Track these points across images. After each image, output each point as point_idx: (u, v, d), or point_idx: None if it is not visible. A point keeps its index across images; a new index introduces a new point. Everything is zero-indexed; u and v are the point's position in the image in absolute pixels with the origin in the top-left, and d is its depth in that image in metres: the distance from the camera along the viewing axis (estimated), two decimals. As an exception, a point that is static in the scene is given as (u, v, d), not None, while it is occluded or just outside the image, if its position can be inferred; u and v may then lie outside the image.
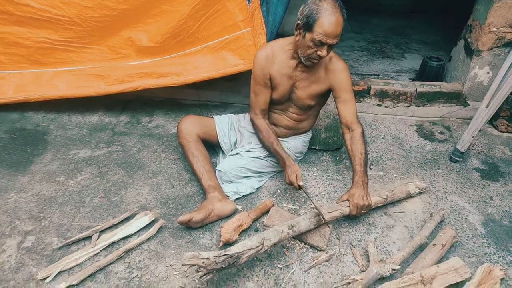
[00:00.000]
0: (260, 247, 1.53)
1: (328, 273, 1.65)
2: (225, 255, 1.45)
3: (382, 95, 2.80)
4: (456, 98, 2.77)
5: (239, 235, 1.78)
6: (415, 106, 2.81)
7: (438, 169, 2.31)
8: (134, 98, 2.85)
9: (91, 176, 2.15)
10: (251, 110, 2.07)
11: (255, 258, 1.69)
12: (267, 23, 2.27)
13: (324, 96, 2.03)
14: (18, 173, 2.13)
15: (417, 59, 3.43)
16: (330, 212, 1.76)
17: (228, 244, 1.72)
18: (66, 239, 1.74)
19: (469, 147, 2.34)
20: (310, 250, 1.75)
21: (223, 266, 1.43)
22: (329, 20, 1.62)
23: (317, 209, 1.73)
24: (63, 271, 1.60)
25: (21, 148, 2.33)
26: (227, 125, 2.23)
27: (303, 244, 1.77)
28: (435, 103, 2.79)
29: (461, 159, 2.36)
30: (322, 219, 1.72)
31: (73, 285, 1.54)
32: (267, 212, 1.90)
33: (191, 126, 2.13)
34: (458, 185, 2.18)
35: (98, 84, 2.53)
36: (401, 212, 1.98)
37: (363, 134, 1.93)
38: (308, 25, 1.67)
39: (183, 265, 1.42)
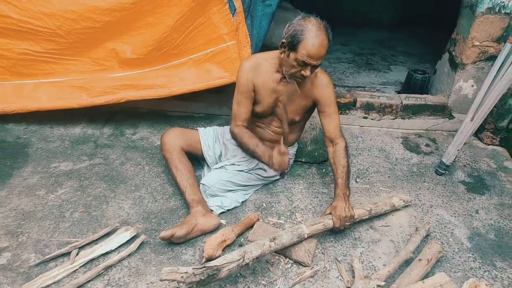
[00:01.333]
0: (241, 260, 1.50)
1: (313, 289, 1.62)
2: (204, 267, 1.42)
3: (368, 108, 2.81)
4: (441, 110, 2.79)
5: (223, 250, 1.74)
6: (401, 118, 2.82)
7: (424, 182, 2.31)
8: (119, 109, 2.81)
9: (72, 189, 2.09)
10: (232, 121, 2.01)
11: (238, 274, 1.66)
12: (252, 36, 2.26)
13: (309, 111, 2.03)
14: (-5, 187, 2.07)
15: (403, 71, 3.47)
16: (313, 225, 1.74)
17: (211, 260, 1.68)
18: (44, 256, 1.69)
19: (454, 160, 2.35)
20: (295, 265, 1.72)
21: (202, 278, 1.39)
22: (313, 42, 1.62)
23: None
24: (39, 289, 1.55)
25: (0, 161, 2.26)
26: (211, 138, 2.20)
27: (287, 259, 1.74)
28: (420, 115, 2.81)
29: (447, 172, 2.36)
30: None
31: (49, 305, 1.49)
32: (251, 226, 1.87)
33: (174, 138, 2.10)
34: (444, 198, 2.18)
35: (80, 95, 2.48)
36: (387, 226, 1.97)
37: (346, 148, 1.93)
38: (292, 45, 1.66)
39: (161, 280, 1.39)
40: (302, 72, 1.71)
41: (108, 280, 1.61)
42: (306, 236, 1.71)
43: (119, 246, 1.75)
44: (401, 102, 2.78)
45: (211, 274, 1.42)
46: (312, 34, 1.62)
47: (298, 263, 1.72)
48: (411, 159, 2.52)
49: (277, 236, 1.64)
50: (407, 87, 3.14)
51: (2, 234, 1.79)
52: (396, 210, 2.04)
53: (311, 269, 1.69)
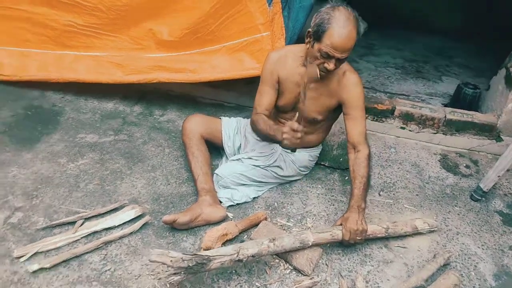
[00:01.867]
0: (235, 255, 1.45)
1: (308, 301, 1.52)
2: (194, 255, 1.38)
3: (407, 118, 2.62)
4: (489, 131, 2.54)
5: (223, 244, 1.70)
6: (443, 134, 2.61)
7: (456, 206, 2.11)
8: (151, 89, 2.84)
9: (92, 161, 2.14)
10: (253, 110, 1.93)
11: (233, 271, 1.60)
12: (287, 29, 2.17)
13: (334, 111, 1.91)
14: (23, 149, 2.15)
15: (455, 83, 3.20)
16: (319, 233, 1.64)
17: (208, 252, 1.64)
18: (51, 221, 1.73)
19: (493, 186, 2.13)
20: (294, 272, 1.63)
21: (190, 265, 1.36)
22: (339, 32, 1.51)
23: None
24: (40, 252, 1.58)
25: (32, 126, 2.36)
26: (233, 129, 2.15)
27: (287, 265, 1.66)
28: (465, 133, 2.57)
29: (483, 198, 2.14)
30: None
31: (46, 268, 1.51)
32: (257, 224, 1.80)
33: (196, 125, 2.07)
34: (474, 227, 1.98)
35: (115, 72, 2.53)
36: (404, 247, 1.81)
37: (369, 156, 1.79)
38: (317, 35, 1.56)
39: (150, 261, 1.37)
40: (326, 65, 1.61)
41: (105, 255, 1.62)
42: (310, 244, 1.61)
43: (123, 223, 1.76)
44: (445, 116, 2.56)
45: (200, 262, 1.38)
46: (339, 24, 1.51)
47: (298, 270, 1.63)
48: (446, 179, 2.32)
49: (278, 238, 1.56)
50: (455, 101, 2.89)
51: (19, 194, 1.86)
52: (418, 233, 1.88)
53: (311, 279, 1.59)
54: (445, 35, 4.73)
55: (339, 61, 1.61)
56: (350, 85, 1.77)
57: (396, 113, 2.64)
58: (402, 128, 2.66)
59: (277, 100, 1.91)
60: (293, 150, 1.71)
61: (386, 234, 1.77)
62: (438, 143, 2.64)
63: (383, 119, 2.66)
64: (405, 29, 4.69)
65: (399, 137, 2.67)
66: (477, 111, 2.77)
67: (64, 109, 2.58)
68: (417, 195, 2.16)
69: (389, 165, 2.39)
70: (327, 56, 1.58)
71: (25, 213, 1.77)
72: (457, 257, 1.79)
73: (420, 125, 2.63)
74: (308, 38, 1.64)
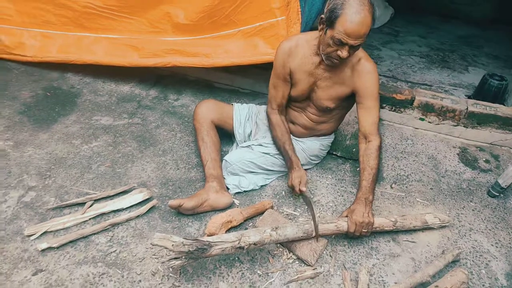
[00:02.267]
0: (237, 242, 1.45)
1: (309, 291, 1.51)
2: (195, 240, 1.39)
3: (427, 109, 2.53)
4: (514, 125, 2.42)
5: (227, 231, 1.70)
6: (463, 126, 2.50)
7: (471, 201, 2.04)
8: (168, 74, 2.85)
9: (105, 144, 2.17)
10: (268, 103, 1.97)
11: (236, 258, 1.61)
12: (303, 13, 2.11)
13: (348, 99, 1.86)
14: (40, 130, 2.21)
15: (481, 74, 3.05)
16: (324, 224, 1.61)
17: (212, 238, 1.65)
18: (62, 201, 1.78)
19: (513, 183, 2.04)
20: (297, 262, 1.62)
21: (190, 250, 1.37)
22: (352, 18, 1.45)
23: (313, 220, 1.60)
24: (49, 231, 1.63)
25: (50, 107, 2.42)
26: (245, 115, 2.13)
27: (291, 254, 1.65)
28: (487, 126, 2.46)
29: (501, 195, 2.05)
30: (314, 231, 1.58)
31: (53, 247, 1.56)
32: (263, 212, 1.79)
33: (207, 110, 2.07)
34: (489, 223, 1.90)
35: (132, 55, 2.55)
36: (412, 241, 1.77)
37: (380, 148, 1.74)
38: (330, 21, 1.51)
39: (152, 244, 1.39)
40: (339, 52, 1.56)
41: (112, 236, 1.65)
42: (313, 234, 1.60)
43: (131, 206, 1.79)
44: (467, 108, 2.45)
45: (200, 247, 1.39)
46: (353, 10, 1.45)
47: (301, 260, 1.62)
48: (464, 174, 2.23)
49: (281, 227, 1.55)
50: (479, 92, 2.77)
51: (34, 174, 1.92)
52: (429, 228, 1.82)
53: (313, 269, 1.58)
54: (474, 24, 4.51)
55: (352, 48, 1.56)
56: (364, 73, 1.71)
57: (415, 103, 2.54)
58: (421, 119, 2.57)
59: (291, 90, 1.88)
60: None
61: (394, 227, 1.73)
62: (458, 136, 2.54)
63: (402, 109, 2.57)
64: (432, 16, 4.50)
65: (417, 128, 2.59)
66: (502, 103, 2.64)
67: (82, 91, 2.62)
68: (431, 189, 2.10)
69: (404, 157, 2.32)
70: (340, 43, 1.53)
71: (37, 192, 1.82)
72: (467, 254, 1.73)
73: (440, 117, 2.53)
74: (321, 25, 1.59)
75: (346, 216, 1.66)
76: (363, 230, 1.63)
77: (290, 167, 1.85)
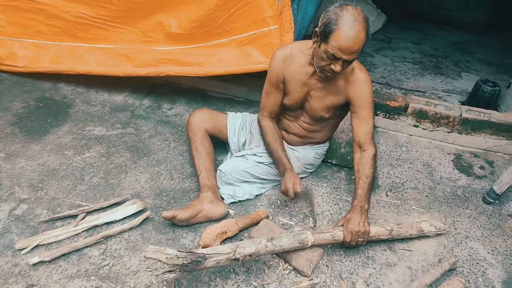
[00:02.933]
0: (232, 254, 1.43)
1: (306, 302, 1.49)
2: (189, 252, 1.37)
3: (421, 116, 2.53)
4: (507, 131, 2.42)
5: (222, 242, 1.68)
6: (458, 133, 2.51)
7: (466, 208, 2.03)
8: (161, 83, 2.84)
9: (98, 155, 2.15)
10: (260, 110, 1.96)
11: (231, 270, 1.59)
12: (296, 22, 2.12)
13: (342, 108, 1.86)
14: (32, 141, 2.19)
15: (474, 80, 3.07)
16: (320, 233, 1.60)
17: (207, 249, 1.63)
18: (54, 214, 1.75)
19: (508, 189, 2.03)
20: (293, 273, 1.60)
21: (185, 262, 1.35)
22: (346, 34, 1.45)
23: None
24: (41, 245, 1.60)
25: (43, 117, 2.40)
26: (239, 124, 2.12)
27: (287, 265, 1.63)
28: (481, 133, 2.47)
29: (496, 201, 2.05)
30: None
31: (45, 261, 1.53)
32: (258, 223, 1.77)
33: (201, 120, 2.05)
34: (485, 231, 1.90)
35: (125, 65, 2.54)
36: (409, 250, 1.76)
37: (375, 156, 1.74)
38: (324, 35, 1.51)
39: (145, 257, 1.37)
40: (332, 66, 1.56)
41: (105, 249, 1.63)
42: (309, 244, 1.58)
43: (124, 218, 1.76)
44: (460, 115, 2.46)
45: (195, 260, 1.37)
46: (347, 25, 1.45)
47: (297, 271, 1.60)
48: (459, 181, 2.23)
49: (276, 237, 1.53)
50: (472, 98, 2.78)
51: (25, 186, 1.89)
52: (425, 236, 1.81)
53: (309, 280, 1.56)
54: (467, 30, 4.55)
55: (346, 63, 1.56)
56: (358, 83, 1.71)
57: (409, 110, 2.55)
58: (415, 126, 2.57)
59: (283, 98, 1.88)
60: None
61: (390, 236, 1.72)
62: (453, 143, 2.54)
63: (396, 116, 2.58)
64: (425, 23, 4.54)
65: (411, 135, 2.59)
66: (496, 109, 2.65)
67: (75, 101, 2.60)
68: (426, 196, 2.09)
69: (399, 164, 2.32)
70: (334, 58, 1.53)
71: (29, 205, 1.80)
72: (464, 262, 1.72)
73: (434, 124, 2.54)
74: (315, 38, 1.59)
75: (342, 225, 1.65)
76: (359, 239, 1.62)
77: (282, 172, 1.83)
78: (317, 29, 1.56)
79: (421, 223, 1.79)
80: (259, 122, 1.99)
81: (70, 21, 2.53)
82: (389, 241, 1.77)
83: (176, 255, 1.36)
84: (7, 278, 1.46)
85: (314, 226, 1.73)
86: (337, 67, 1.55)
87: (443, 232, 1.83)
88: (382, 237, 1.71)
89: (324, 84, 1.76)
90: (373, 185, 1.73)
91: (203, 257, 1.40)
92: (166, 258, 1.36)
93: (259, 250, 1.50)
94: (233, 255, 1.44)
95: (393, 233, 1.72)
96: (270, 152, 1.92)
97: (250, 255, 1.48)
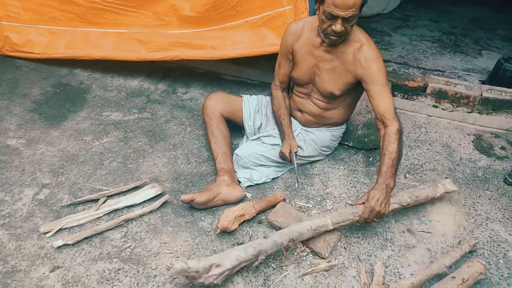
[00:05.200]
0: (254, 260, 1.42)
1: (324, 284, 1.50)
2: (214, 275, 1.33)
3: (440, 96, 2.47)
4: (530, 110, 2.36)
5: (240, 225, 1.70)
6: (478, 113, 2.45)
7: (487, 189, 2.00)
8: (176, 67, 2.83)
9: (116, 139, 2.18)
10: (273, 80, 2.03)
11: (250, 252, 1.60)
12: (311, 1, 2.07)
13: (355, 88, 1.82)
14: (51, 127, 2.22)
15: (496, 58, 2.98)
16: (339, 223, 1.58)
17: (225, 232, 1.65)
18: (75, 198, 1.79)
19: (530, 170, 1.99)
20: (311, 255, 1.61)
21: (212, 282, 1.33)
22: None
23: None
24: (64, 228, 1.64)
25: (60, 103, 2.43)
26: (254, 107, 2.11)
27: (304, 247, 1.64)
28: (502, 112, 2.40)
29: (518, 182, 2.02)
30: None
31: (69, 244, 1.58)
32: (275, 205, 1.78)
33: (216, 103, 2.05)
34: (506, 212, 1.87)
35: (139, 49, 2.53)
36: (428, 232, 1.75)
37: (399, 131, 1.67)
38: None
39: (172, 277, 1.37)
40: (332, 26, 1.57)
41: (126, 232, 1.66)
42: (330, 229, 1.58)
43: (144, 202, 1.79)
44: (481, 94, 2.40)
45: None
46: None
47: (315, 253, 1.61)
48: (479, 161, 2.19)
49: (298, 237, 1.51)
50: (494, 77, 2.70)
51: (47, 171, 1.93)
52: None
53: (328, 262, 1.57)
54: (487, 5, 4.39)
55: (346, 21, 1.55)
56: (366, 61, 1.67)
57: (428, 90, 2.49)
58: (435, 106, 2.52)
59: (292, 71, 1.92)
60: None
61: (407, 205, 1.72)
62: (473, 123, 2.49)
63: (414, 97, 2.53)
64: (442, 1, 4.39)
65: (430, 116, 2.54)
66: (518, 88, 2.57)
67: (91, 86, 2.62)
68: (446, 177, 2.06)
69: (418, 146, 2.28)
70: (332, 17, 1.54)
71: (51, 190, 1.84)
72: (484, 244, 1.71)
73: (454, 104, 2.48)
74: (317, 4, 1.60)
75: (363, 203, 1.62)
76: (375, 218, 1.59)
77: (282, 138, 1.93)
78: None
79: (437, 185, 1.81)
80: (271, 90, 2.08)
81: (84, 6, 2.53)
82: (408, 223, 1.77)
83: (204, 280, 1.33)
84: (34, 260, 1.51)
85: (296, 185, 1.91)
86: (337, 26, 1.55)
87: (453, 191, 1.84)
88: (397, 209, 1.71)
89: (332, 57, 1.75)
90: (398, 161, 1.71)
91: (229, 273, 1.38)
92: (192, 275, 1.32)
93: (280, 248, 1.49)
94: (256, 261, 1.42)
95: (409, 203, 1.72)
96: (275, 119, 2.03)
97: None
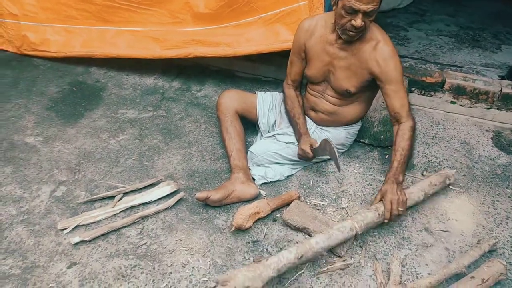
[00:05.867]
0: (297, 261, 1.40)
1: (340, 283, 1.49)
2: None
3: (458, 92, 2.42)
4: (552, 106, 2.30)
5: (254, 222, 1.69)
6: (497, 109, 2.39)
7: (507, 188, 1.95)
8: (190, 64, 2.84)
9: (132, 137, 2.19)
10: (285, 78, 2.02)
11: (264, 250, 1.60)
12: (327, -4, 2.05)
13: (370, 85, 1.79)
14: (68, 125, 2.25)
15: (517, 53, 2.91)
16: (364, 226, 1.55)
17: (240, 229, 1.65)
18: (92, 195, 1.81)
19: (553, 168, 1.94)
20: (327, 253, 1.59)
21: None
22: None
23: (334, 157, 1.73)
24: (81, 225, 1.66)
25: (77, 101, 2.46)
26: (268, 104, 2.10)
27: (320, 245, 1.63)
28: (523, 108, 2.35)
29: (540, 180, 1.96)
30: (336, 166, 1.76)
31: (85, 241, 1.60)
32: (290, 203, 1.77)
33: (230, 100, 2.05)
34: (527, 211, 1.83)
35: (154, 47, 2.55)
36: (446, 231, 1.72)
37: (413, 128, 1.68)
38: None
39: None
40: (352, 21, 1.54)
41: (142, 229, 1.68)
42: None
43: (159, 199, 1.80)
44: (501, 90, 2.34)
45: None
46: None
47: (331, 251, 1.60)
48: (498, 159, 2.14)
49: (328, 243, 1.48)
50: (514, 73, 2.63)
51: (64, 169, 1.96)
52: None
53: (343, 261, 1.56)
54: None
55: (366, 16, 1.52)
56: (382, 58, 1.65)
57: (446, 86, 2.45)
58: (452, 102, 2.47)
59: (305, 70, 1.90)
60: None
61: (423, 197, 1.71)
62: (492, 119, 2.43)
63: (432, 93, 2.48)
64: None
65: (448, 112, 2.49)
66: (540, 83, 2.50)
67: (107, 84, 2.65)
68: (464, 175, 2.02)
69: (436, 143, 2.24)
70: (352, 11, 1.50)
71: (68, 187, 1.86)
72: (505, 244, 1.67)
73: (472, 100, 2.43)
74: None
75: (380, 201, 1.61)
76: (400, 208, 1.57)
77: (298, 138, 1.90)
78: None
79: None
80: (283, 89, 2.06)
81: (99, 4, 2.55)
82: (427, 221, 1.74)
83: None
84: (52, 256, 1.54)
85: (339, 171, 1.80)
86: (357, 21, 1.51)
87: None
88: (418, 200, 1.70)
89: (347, 54, 1.73)
90: (410, 157, 1.68)
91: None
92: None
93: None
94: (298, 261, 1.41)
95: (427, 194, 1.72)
96: (289, 118, 2.01)
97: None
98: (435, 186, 1.77)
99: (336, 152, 1.72)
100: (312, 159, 1.87)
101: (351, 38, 1.64)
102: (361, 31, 1.60)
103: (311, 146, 1.82)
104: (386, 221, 1.58)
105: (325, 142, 1.77)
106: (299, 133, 1.89)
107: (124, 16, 2.57)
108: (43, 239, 1.60)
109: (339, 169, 1.77)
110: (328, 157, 2.02)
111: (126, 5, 2.52)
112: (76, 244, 1.57)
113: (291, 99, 1.99)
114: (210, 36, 2.39)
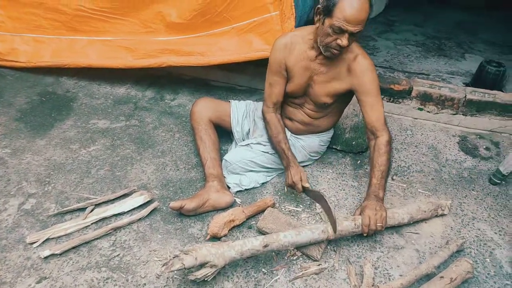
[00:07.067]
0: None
1: (315, 287, 1.51)
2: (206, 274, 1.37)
3: (425, 98, 2.52)
4: (513, 111, 2.42)
5: (230, 230, 1.69)
6: (462, 114, 2.50)
7: (473, 190, 2.03)
8: (164, 74, 2.83)
9: (103, 147, 2.16)
10: (264, 102, 1.95)
11: (240, 257, 1.60)
12: (297, 8, 2.10)
13: (345, 96, 1.84)
14: (37, 136, 2.20)
15: (478, 61, 3.04)
16: (343, 222, 1.59)
17: (215, 238, 1.65)
18: (62, 207, 1.77)
19: (514, 170, 2.03)
20: (301, 258, 1.61)
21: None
22: (350, 3, 1.45)
23: (329, 215, 1.59)
24: (51, 238, 1.62)
25: (47, 112, 2.40)
26: (242, 113, 2.11)
27: (295, 250, 1.64)
28: (486, 114, 2.45)
29: (503, 182, 2.05)
30: (331, 227, 1.57)
31: (56, 254, 1.55)
32: (264, 210, 1.78)
33: (204, 109, 2.05)
34: (492, 212, 1.90)
35: (126, 56, 2.53)
36: (416, 233, 1.76)
37: (389, 142, 1.72)
38: (327, 9, 1.50)
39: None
40: (338, 41, 1.55)
41: (114, 241, 1.65)
42: (330, 233, 1.57)
43: (132, 209, 1.78)
44: (465, 96, 2.44)
45: None
46: None
47: (306, 255, 1.62)
48: (464, 162, 2.23)
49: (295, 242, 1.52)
50: (477, 80, 2.75)
51: (33, 181, 1.90)
52: (431, 218, 1.82)
53: (318, 265, 1.58)
54: (471, 10, 4.48)
55: (352, 36, 1.55)
56: (361, 71, 1.69)
57: (413, 93, 2.54)
58: (420, 109, 2.56)
59: (286, 86, 1.87)
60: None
61: (411, 220, 1.74)
62: (458, 125, 2.53)
63: (400, 100, 2.57)
64: (427, 4, 4.48)
65: (416, 118, 2.58)
66: (501, 90, 2.63)
67: (78, 94, 2.60)
68: (432, 179, 2.09)
69: (405, 148, 2.31)
70: (340, 31, 1.52)
71: (38, 199, 1.81)
72: (471, 243, 1.73)
73: (438, 106, 2.52)
74: (318, 16, 1.59)
75: (359, 215, 1.64)
76: (378, 224, 1.60)
77: (286, 165, 1.83)
78: (319, 6, 1.55)
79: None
80: (263, 114, 1.97)
81: (69, 14, 2.52)
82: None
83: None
84: (20, 271, 1.49)
85: (334, 231, 1.57)
86: (343, 41, 1.53)
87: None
88: (402, 222, 1.72)
89: (327, 69, 1.75)
90: (388, 172, 1.71)
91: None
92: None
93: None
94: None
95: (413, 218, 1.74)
96: (273, 145, 1.92)
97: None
98: (424, 213, 1.77)
99: (333, 210, 1.60)
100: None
101: (334, 56, 1.65)
102: (345, 49, 1.61)
103: (302, 180, 1.75)
104: (365, 234, 1.62)
105: (321, 197, 1.70)
106: (287, 160, 1.82)
107: (95, 25, 2.55)
108: (10, 254, 1.55)
109: (335, 230, 1.55)
110: (303, 165, 2.05)
111: (97, 15, 2.49)
112: (46, 258, 1.53)
113: (274, 125, 1.90)
114: (183, 45, 2.40)
